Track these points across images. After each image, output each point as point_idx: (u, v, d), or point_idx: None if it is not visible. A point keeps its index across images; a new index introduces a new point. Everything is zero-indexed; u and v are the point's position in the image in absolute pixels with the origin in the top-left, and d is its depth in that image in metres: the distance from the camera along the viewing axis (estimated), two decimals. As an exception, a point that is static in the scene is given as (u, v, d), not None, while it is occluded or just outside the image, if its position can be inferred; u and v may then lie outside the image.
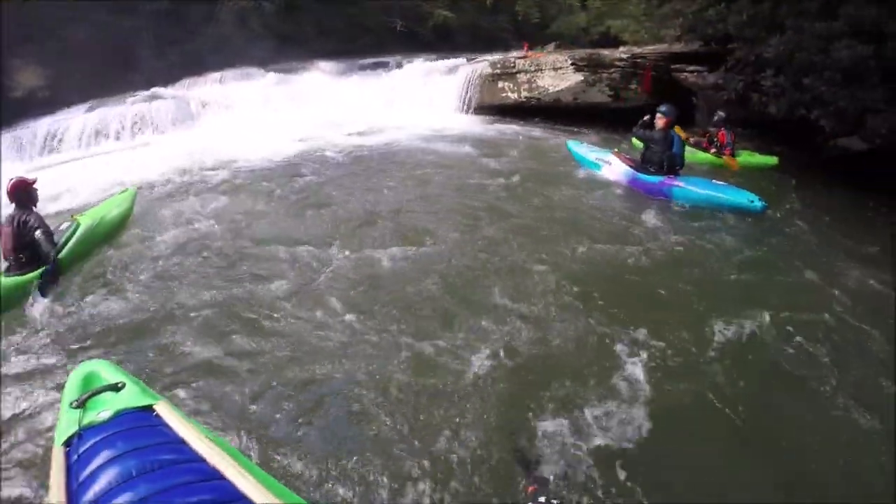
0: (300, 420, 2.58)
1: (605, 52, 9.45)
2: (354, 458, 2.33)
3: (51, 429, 2.57)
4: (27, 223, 4.02)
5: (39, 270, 4.06)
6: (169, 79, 13.45)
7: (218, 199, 5.79)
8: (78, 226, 4.65)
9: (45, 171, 7.52)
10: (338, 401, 2.69)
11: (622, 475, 2.18)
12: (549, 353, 2.93)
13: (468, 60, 10.59)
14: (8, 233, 4.04)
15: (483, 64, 9.49)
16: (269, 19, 16.46)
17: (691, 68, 8.16)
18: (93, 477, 1.57)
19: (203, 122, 12.26)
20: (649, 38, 8.88)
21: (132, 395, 2.05)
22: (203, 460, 1.62)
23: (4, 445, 2.56)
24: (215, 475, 1.54)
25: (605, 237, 4.34)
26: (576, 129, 8.10)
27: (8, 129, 11.12)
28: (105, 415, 1.91)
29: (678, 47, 8.74)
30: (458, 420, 2.51)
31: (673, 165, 5.20)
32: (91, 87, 12.84)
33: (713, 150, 6.53)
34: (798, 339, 3.03)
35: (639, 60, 8.22)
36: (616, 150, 6.03)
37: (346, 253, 4.25)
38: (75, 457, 1.70)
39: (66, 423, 1.94)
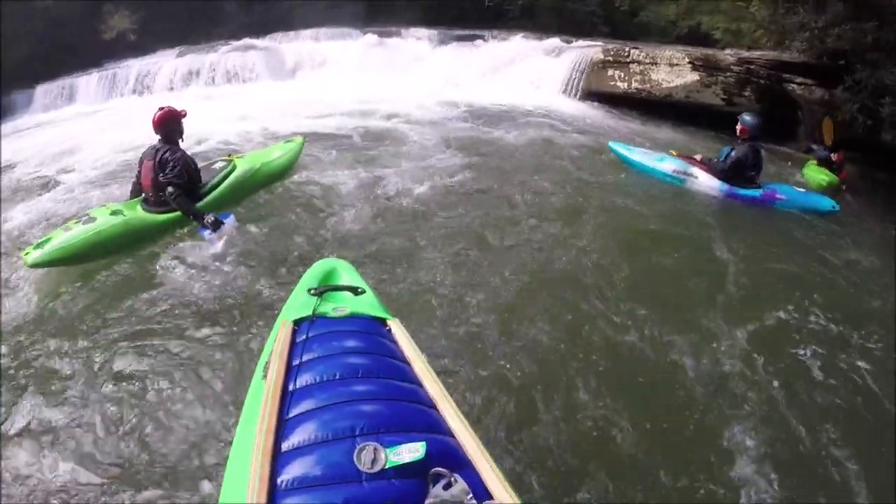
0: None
1: (709, 51, 9.62)
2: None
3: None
4: (171, 166, 3.70)
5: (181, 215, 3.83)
6: (254, 34, 13.72)
7: (352, 159, 5.87)
8: (234, 168, 4.48)
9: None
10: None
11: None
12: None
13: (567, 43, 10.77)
14: (149, 167, 3.74)
15: (595, 49, 9.75)
16: (358, -18, 16.63)
17: (799, 80, 8.33)
18: (316, 362, 1.61)
19: (299, 76, 12.65)
20: (765, 40, 8.84)
21: (369, 304, 2.10)
22: (421, 386, 1.60)
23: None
24: (428, 403, 1.52)
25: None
26: (682, 127, 8.40)
27: (98, 68, 11.99)
28: (341, 311, 1.96)
29: (788, 56, 8.70)
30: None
31: (758, 177, 5.53)
32: (177, 35, 13.49)
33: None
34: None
35: (751, 66, 8.42)
36: (675, 152, 5.99)
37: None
38: (303, 336, 1.76)
39: (301, 306, 2.01)
